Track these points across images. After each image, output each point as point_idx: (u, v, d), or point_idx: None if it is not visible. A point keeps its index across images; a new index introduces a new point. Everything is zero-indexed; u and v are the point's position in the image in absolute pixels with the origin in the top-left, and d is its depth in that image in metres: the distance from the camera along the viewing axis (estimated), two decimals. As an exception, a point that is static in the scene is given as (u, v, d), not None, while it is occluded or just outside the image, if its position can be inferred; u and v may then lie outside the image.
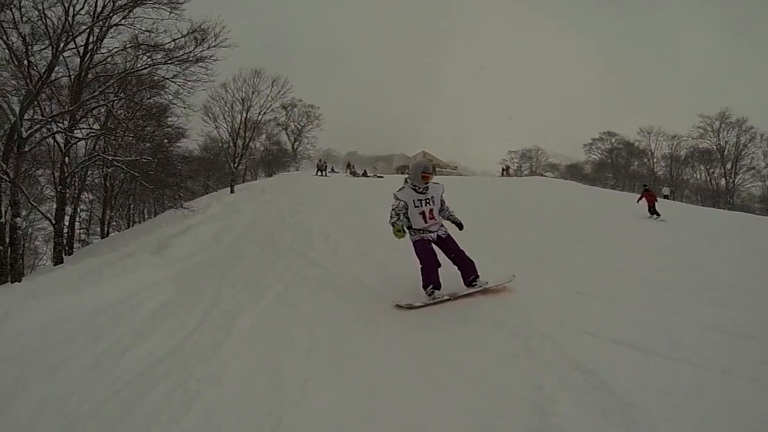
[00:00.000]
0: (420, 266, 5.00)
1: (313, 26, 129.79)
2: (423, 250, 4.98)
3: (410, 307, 4.73)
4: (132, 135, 18.26)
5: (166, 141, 20.32)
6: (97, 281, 6.81)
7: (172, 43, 14.81)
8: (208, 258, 7.65)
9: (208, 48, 15.04)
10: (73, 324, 4.83)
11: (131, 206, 31.82)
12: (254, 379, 3.35)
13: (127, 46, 15.50)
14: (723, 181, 47.52)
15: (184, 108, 16.77)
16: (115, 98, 16.01)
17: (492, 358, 3.44)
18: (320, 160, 36.09)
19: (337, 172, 36.74)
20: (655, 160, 52.99)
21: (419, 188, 5.01)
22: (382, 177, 33.42)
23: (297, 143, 48.69)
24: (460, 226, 5.20)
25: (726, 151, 47.08)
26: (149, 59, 15.53)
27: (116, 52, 15.73)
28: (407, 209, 5.00)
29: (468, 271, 4.97)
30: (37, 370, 3.68)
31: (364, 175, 35.11)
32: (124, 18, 14.42)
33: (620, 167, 54.04)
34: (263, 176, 41.99)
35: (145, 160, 14.74)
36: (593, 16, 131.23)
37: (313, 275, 6.27)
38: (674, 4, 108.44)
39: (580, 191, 26.22)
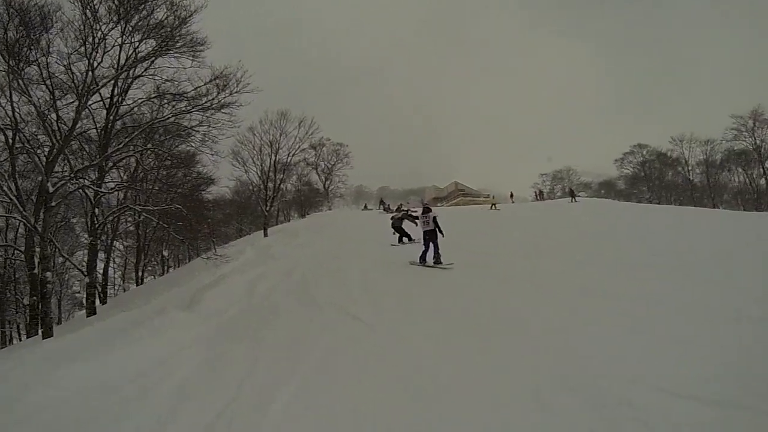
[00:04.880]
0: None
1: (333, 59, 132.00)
2: None
3: None
4: (161, 184, 18.25)
5: (194, 188, 20.34)
6: (124, 344, 6.38)
7: (194, 91, 14.84)
8: (241, 313, 7.15)
9: (230, 94, 14.98)
10: (96, 400, 4.42)
11: (164, 251, 31.89)
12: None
13: (151, 96, 15.62)
14: (763, 181, 45.05)
15: (212, 155, 16.70)
16: (142, 149, 16.06)
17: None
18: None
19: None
20: (689, 168, 50.48)
21: None
22: (416, 212, 31.83)
23: (328, 182, 48.25)
24: None
25: (762, 149, 44.53)
26: (173, 108, 15.57)
27: (141, 102, 15.89)
28: None
29: None
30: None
31: (398, 210, 32.67)
32: (145, 70, 14.58)
33: (654, 179, 51.96)
34: (296, 217, 41.62)
35: (174, 209, 14.53)
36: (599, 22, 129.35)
37: (356, 334, 5.66)
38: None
39: (617, 209, 24.71)
